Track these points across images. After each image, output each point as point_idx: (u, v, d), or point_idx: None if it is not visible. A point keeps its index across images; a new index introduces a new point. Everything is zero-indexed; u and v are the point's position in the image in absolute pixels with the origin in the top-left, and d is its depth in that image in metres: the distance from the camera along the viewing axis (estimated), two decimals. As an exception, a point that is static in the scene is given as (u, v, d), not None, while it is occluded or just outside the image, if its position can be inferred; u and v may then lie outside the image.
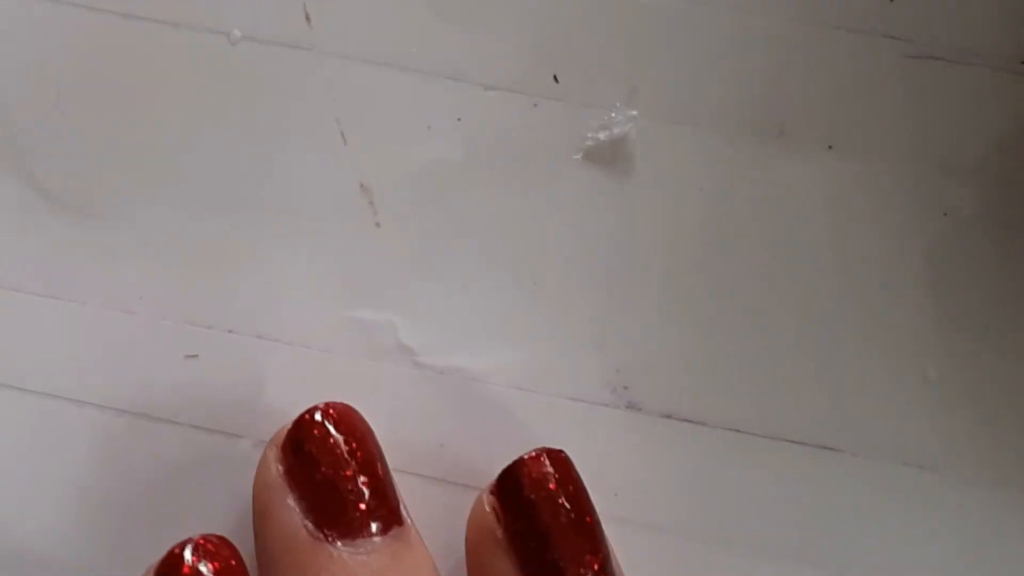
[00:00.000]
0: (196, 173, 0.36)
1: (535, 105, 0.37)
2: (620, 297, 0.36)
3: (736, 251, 0.36)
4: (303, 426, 0.33)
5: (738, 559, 0.36)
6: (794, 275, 0.36)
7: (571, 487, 0.33)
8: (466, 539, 0.34)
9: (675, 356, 0.36)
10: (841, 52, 0.37)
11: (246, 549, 0.33)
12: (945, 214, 0.37)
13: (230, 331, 0.36)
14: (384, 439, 0.34)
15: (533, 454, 0.33)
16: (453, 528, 0.35)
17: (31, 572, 0.35)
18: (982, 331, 0.36)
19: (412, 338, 0.36)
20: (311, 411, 0.33)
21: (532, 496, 0.33)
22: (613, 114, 0.37)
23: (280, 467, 0.33)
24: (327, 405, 0.33)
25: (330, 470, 0.32)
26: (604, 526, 0.33)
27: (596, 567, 0.32)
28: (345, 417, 0.33)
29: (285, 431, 0.33)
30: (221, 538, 0.33)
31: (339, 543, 0.32)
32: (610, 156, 0.37)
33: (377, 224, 0.37)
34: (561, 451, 0.33)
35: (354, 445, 0.33)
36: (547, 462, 0.33)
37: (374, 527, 0.32)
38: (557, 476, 0.33)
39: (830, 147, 0.37)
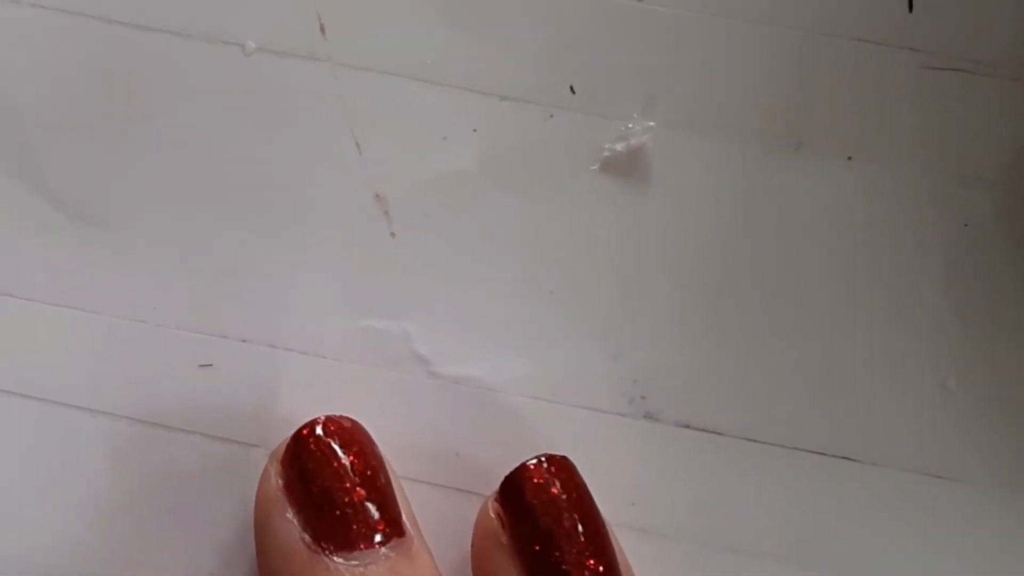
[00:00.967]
0: (210, 183, 0.36)
1: (551, 116, 0.37)
2: (637, 307, 0.36)
3: (754, 261, 0.36)
4: (301, 440, 0.33)
5: (756, 569, 0.36)
6: (813, 285, 0.36)
7: (574, 492, 0.33)
8: (472, 545, 0.34)
9: (693, 366, 0.36)
10: (860, 63, 0.37)
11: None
12: (966, 224, 0.36)
13: (244, 340, 0.36)
14: (398, 448, 0.34)
15: (535, 460, 0.33)
16: (469, 537, 0.34)
17: (43, 582, 0.35)
18: (1002, 341, 0.36)
19: (427, 348, 0.36)
20: (311, 425, 0.33)
21: (534, 501, 0.33)
22: (630, 125, 0.37)
23: (280, 481, 0.33)
24: (327, 418, 0.33)
25: (327, 484, 0.32)
26: (621, 536, 0.33)
27: (601, 571, 0.32)
28: (345, 430, 0.33)
29: (285, 444, 0.33)
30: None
31: (336, 556, 0.32)
32: (627, 167, 0.37)
33: (392, 234, 0.36)
34: (564, 456, 0.33)
35: (353, 458, 0.33)
36: (549, 467, 0.33)
37: (373, 539, 0.32)
38: (559, 481, 0.33)
39: (849, 158, 0.37)
